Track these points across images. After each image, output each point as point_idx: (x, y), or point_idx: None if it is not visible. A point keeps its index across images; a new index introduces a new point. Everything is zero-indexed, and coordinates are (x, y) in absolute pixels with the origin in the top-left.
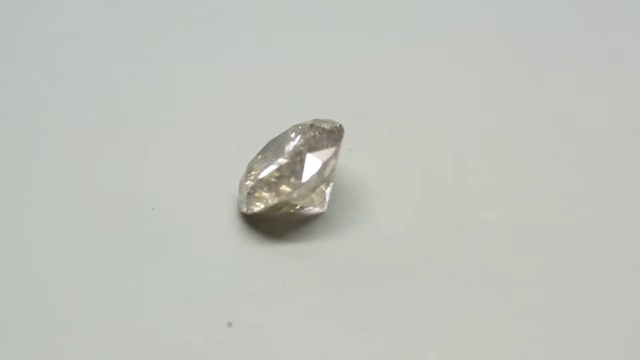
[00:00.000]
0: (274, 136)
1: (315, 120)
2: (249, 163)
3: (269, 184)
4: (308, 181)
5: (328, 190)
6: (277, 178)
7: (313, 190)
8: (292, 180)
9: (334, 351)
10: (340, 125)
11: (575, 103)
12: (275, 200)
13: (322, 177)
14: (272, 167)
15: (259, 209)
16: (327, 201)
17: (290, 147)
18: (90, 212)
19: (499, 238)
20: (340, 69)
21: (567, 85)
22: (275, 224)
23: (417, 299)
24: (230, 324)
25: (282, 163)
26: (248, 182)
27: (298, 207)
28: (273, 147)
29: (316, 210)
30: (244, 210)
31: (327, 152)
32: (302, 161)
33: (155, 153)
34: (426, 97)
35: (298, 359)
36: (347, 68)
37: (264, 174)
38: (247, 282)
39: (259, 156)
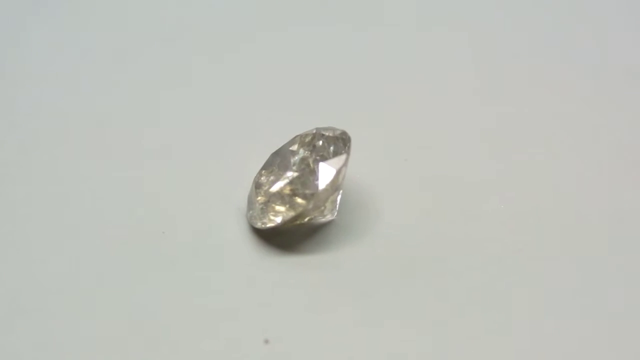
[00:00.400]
0: (274, 148)
1: (317, 129)
2: (255, 178)
3: (282, 197)
4: (322, 191)
5: (338, 198)
6: (291, 191)
7: (327, 199)
8: (307, 192)
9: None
10: (344, 132)
11: (573, 99)
12: (292, 213)
13: (335, 186)
14: (284, 181)
15: (274, 223)
16: (337, 208)
17: (296, 159)
18: (103, 243)
19: (508, 230)
20: (334, 71)
21: (564, 83)
22: (288, 236)
23: (442, 296)
24: (267, 341)
25: (293, 176)
26: (259, 198)
27: (310, 217)
28: (278, 161)
29: (327, 218)
30: (258, 225)
31: (339, 160)
32: (313, 172)
33: (155, 176)
34: (423, 95)
35: None
36: (341, 70)
37: (275, 187)
38: (274, 296)
39: (263, 171)
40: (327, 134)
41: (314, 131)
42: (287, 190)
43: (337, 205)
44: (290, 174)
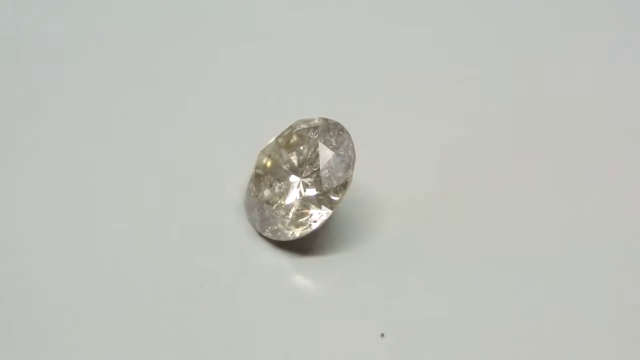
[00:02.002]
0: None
1: (298, 125)
2: (260, 198)
3: (312, 201)
4: (348, 176)
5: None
6: (321, 194)
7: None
8: (335, 185)
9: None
10: (327, 119)
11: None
12: (330, 211)
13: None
14: (301, 187)
15: (310, 228)
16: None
17: (300, 159)
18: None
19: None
20: (315, 68)
21: (562, 80)
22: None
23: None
24: (382, 335)
25: (312, 178)
26: (282, 212)
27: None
28: (274, 172)
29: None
30: (289, 236)
31: (346, 146)
32: (330, 167)
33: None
34: (409, 89)
35: None
36: (321, 66)
37: (292, 198)
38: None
39: (266, 189)
40: (310, 125)
41: (296, 128)
42: (313, 193)
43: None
44: (308, 179)
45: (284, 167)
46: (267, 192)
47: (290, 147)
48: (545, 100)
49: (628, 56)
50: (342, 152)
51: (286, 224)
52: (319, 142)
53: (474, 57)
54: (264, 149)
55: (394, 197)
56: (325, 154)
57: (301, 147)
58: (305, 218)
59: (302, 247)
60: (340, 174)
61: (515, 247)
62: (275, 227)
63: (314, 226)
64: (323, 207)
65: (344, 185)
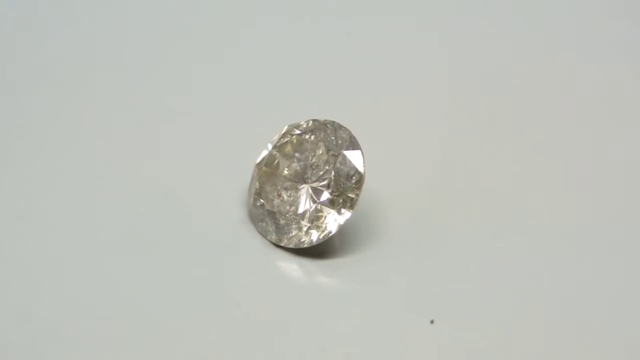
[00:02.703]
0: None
1: (290, 131)
2: (271, 209)
3: (331, 203)
4: (362, 172)
5: None
6: (337, 194)
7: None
8: (351, 182)
9: None
10: (318, 120)
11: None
12: (350, 212)
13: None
14: (321, 191)
15: (330, 231)
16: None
17: (303, 165)
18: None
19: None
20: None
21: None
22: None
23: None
24: (432, 322)
25: (322, 181)
26: (298, 220)
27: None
28: (277, 182)
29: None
30: (309, 242)
31: (350, 142)
32: (341, 166)
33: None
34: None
35: None
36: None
37: (305, 205)
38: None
39: (274, 199)
40: (302, 127)
41: (293, 134)
42: (326, 196)
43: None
44: (323, 182)
45: (287, 176)
46: (276, 202)
47: (288, 155)
48: (545, 97)
49: None
50: (349, 149)
51: (304, 231)
52: (321, 144)
53: (472, 56)
54: (259, 162)
55: (392, 192)
56: (332, 153)
57: (301, 153)
58: (322, 221)
59: (316, 251)
60: (352, 172)
61: (525, 218)
62: (292, 235)
63: (335, 228)
64: (341, 208)
65: (359, 182)
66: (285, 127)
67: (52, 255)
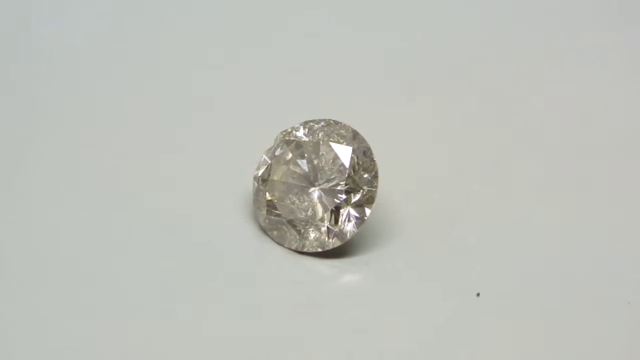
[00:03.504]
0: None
1: (286, 137)
2: (286, 217)
3: (348, 203)
4: (375, 165)
5: None
6: (356, 191)
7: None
8: (366, 177)
9: None
10: (310, 120)
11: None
12: (371, 206)
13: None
14: (334, 192)
15: (352, 231)
16: None
17: (309, 167)
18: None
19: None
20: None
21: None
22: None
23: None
24: (478, 294)
25: (333, 181)
26: (317, 224)
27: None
28: (284, 189)
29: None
30: (333, 244)
31: (353, 135)
32: (354, 161)
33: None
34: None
35: None
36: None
37: (336, 198)
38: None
39: (285, 207)
40: (295, 136)
41: (295, 136)
42: (342, 196)
43: None
44: (338, 176)
45: (294, 182)
46: (291, 209)
47: (290, 162)
48: (545, 96)
49: None
50: (356, 144)
51: (325, 233)
52: (323, 144)
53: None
54: (257, 174)
55: (395, 190)
56: (341, 150)
57: (302, 157)
58: (342, 221)
59: (333, 252)
60: (366, 165)
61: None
62: (313, 237)
63: (356, 227)
64: (363, 206)
65: (375, 175)
66: (279, 134)
67: (53, 259)
